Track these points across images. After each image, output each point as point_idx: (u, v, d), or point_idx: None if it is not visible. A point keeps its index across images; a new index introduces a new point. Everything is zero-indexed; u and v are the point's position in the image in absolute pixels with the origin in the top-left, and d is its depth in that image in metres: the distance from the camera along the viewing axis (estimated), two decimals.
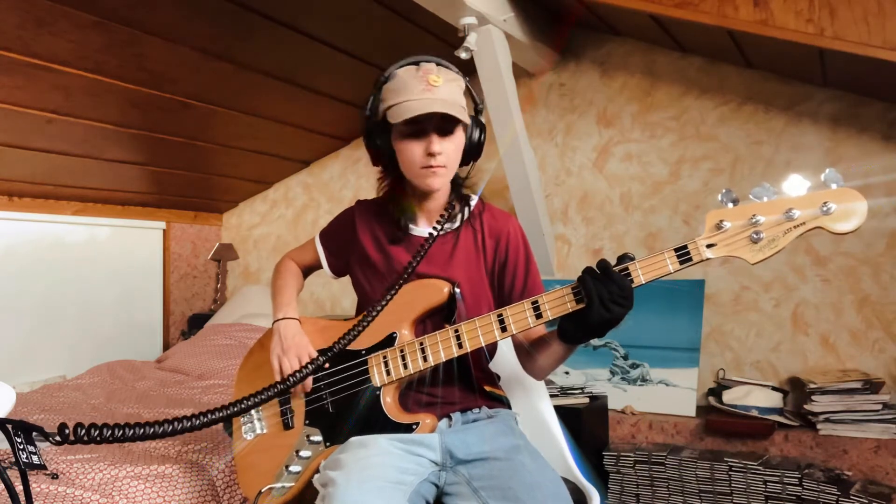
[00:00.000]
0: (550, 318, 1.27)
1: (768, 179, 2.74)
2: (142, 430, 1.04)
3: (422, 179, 1.39)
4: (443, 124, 1.37)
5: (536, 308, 1.27)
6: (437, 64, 1.40)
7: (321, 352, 1.44)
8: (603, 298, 1.19)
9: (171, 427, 1.08)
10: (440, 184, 1.41)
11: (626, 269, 1.21)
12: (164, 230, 3.91)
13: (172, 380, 2.97)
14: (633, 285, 1.22)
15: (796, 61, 2.48)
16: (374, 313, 1.32)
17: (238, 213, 4.24)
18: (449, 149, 1.38)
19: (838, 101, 2.64)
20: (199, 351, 3.19)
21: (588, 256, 3.12)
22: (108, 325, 3.63)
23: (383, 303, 1.32)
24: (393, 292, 1.34)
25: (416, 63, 1.40)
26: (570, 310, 1.24)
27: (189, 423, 1.11)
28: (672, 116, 2.96)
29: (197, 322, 3.80)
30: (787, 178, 1.16)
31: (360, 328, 1.31)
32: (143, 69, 2.55)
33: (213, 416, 1.14)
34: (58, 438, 0.94)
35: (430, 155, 1.36)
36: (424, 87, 1.35)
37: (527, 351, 1.45)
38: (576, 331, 1.26)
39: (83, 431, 0.97)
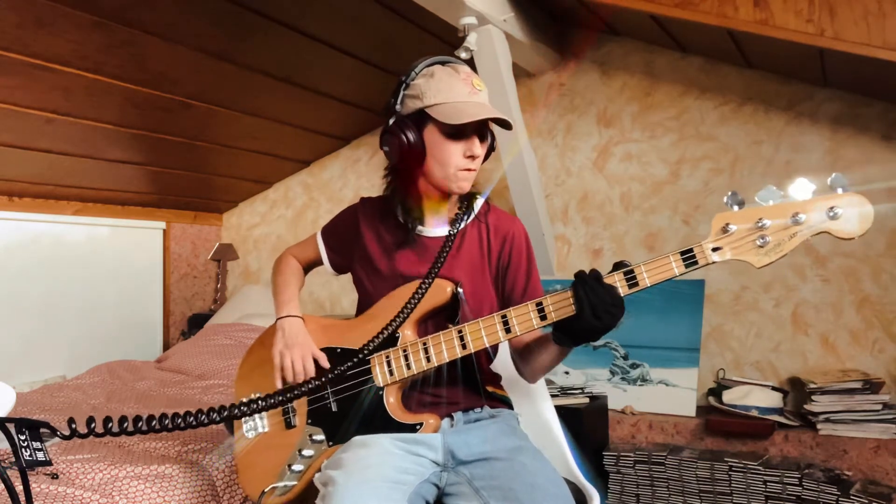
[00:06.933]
0: (555, 320, 1.27)
1: (768, 179, 2.75)
2: (155, 424, 1.04)
3: (455, 181, 1.40)
4: (481, 129, 1.39)
5: (541, 310, 1.27)
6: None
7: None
8: (595, 308, 1.20)
9: (178, 422, 1.08)
10: (469, 186, 1.42)
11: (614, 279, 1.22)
12: (164, 230, 3.91)
13: (172, 380, 2.97)
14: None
15: (796, 61, 2.48)
16: (400, 321, 1.34)
17: (238, 213, 4.24)
18: (482, 153, 1.41)
19: (838, 101, 2.64)
20: (199, 351, 3.18)
21: (588, 256, 3.12)
22: (109, 325, 3.62)
23: (407, 310, 1.34)
24: (418, 298, 1.34)
25: (443, 63, 1.41)
26: (573, 313, 1.24)
27: (194, 420, 1.12)
28: (672, 116, 2.96)
29: (197, 322, 3.80)
30: (792, 182, 1.16)
31: (383, 335, 1.32)
32: (143, 69, 2.55)
33: (221, 415, 1.14)
34: (65, 433, 0.93)
35: (470, 157, 1.38)
36: (470, 91, 1.36)
37: (520, 353, 1.45)
38: (565, 337, 1.27)
39: (94, 425, 0.97)
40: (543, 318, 1.27)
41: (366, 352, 1.34)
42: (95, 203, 3.54)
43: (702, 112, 2.90)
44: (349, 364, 1.33)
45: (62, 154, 2.97)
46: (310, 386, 1.32)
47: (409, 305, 1.35)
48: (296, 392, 1.30)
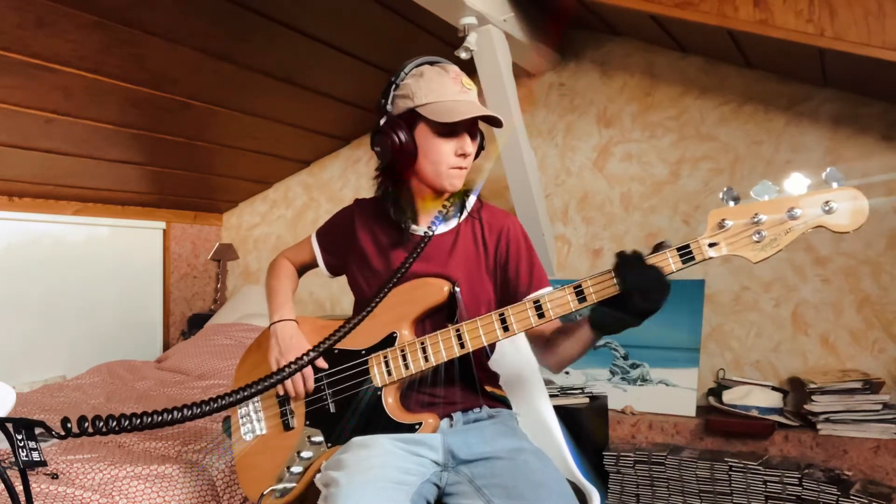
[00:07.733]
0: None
1: (768, 179, 2.74)
2: (148, 419, 1.04)
3: (447, 179, 1.40)
4: (472, 127, 1.39)
5: (538, 308, 1.27)
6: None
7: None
8: (643, 289, 1.17)
9: (170, 416, 1.08)
10: (461, 184, 1.42)
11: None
12: (164, 230, 3.91)
13: (172, 380, 2.97)
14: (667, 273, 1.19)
15: (796, 61, 2.48)
16: (369, 310, 1.32)
17: (238, 213, 4.24)
18: (473, 151, 1.41)
19: (838, 101, 2.64)
20: (199, 351, 3.19)
21: (588, 256, 3.12)
22: (109, 325, 3.62)
23: (377, 300, 1.33)
24: (386, 290, 1.34)
25: (431, 63, 1.41)
26: (571, 310, 1.23)
27: (185, 413, 1.12)
28: (672, 116, 2.96)
29: (197, 322, 3.80)
30: (788, 177, 1.16)
31: (355, 324, 1.31)
32: (143, 69, 2.55)
33: (210, 407, 1.13)
34: (61, 433, 0.94)
35: (462, 155, 1.38)
36: (460, 89, 1.37)
37: (547, 340, 1.42)
38: (611, 321, 1.23)
39: (87, 424, 0.97)
40: (541, 315, 1.27)
41: (333, 339, 1.30)
42: (95, 203, 3.54)
43: (702, 112, 2.90)
44: (315, 354, 1.29)
45: (62, 154, 2.97)
46: (294, 366, 1.29)
47: (376, 299, 1.33)
48: (281, 375, 1.28)
